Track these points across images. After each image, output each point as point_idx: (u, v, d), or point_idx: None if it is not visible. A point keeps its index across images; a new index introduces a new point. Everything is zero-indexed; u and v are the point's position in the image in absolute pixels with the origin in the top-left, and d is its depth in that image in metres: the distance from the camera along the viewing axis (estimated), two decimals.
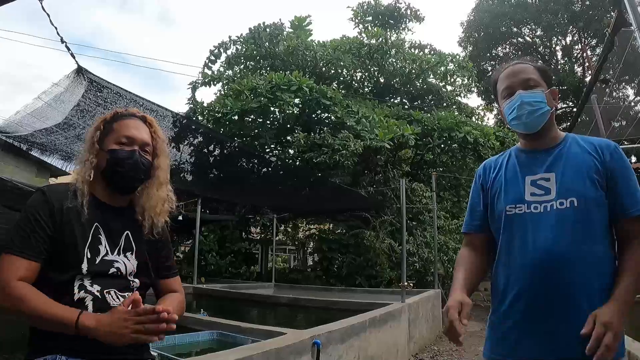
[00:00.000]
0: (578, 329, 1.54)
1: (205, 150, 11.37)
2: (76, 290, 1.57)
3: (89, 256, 1.62)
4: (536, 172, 1.79)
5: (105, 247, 1.67)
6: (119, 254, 1.70)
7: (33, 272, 1.55)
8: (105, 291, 1.62)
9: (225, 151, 11.24)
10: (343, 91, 17.84)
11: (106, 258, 1.66)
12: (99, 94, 5.88)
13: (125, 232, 1.75)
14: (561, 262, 1.61)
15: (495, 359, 1.76)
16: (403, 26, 22.45)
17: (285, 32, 19.75)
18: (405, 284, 7.68)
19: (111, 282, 1.65)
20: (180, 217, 11.21)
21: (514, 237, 1.75)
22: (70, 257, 1.59)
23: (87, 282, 1.60)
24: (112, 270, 1.66)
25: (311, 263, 18.95)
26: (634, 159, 23.87)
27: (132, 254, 1.74)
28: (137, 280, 1.75)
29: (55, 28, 4.84)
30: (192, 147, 10.88)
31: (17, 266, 1.52)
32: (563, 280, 1.61)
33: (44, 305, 1.46)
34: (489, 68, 33.25)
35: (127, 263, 1.71)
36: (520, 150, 1.92)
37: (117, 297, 1.64)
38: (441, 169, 17.10)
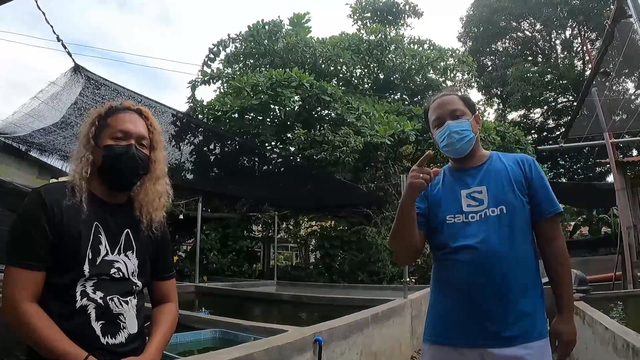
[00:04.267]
0: (507, 316, 1.84)
1: (206, 148, 11.33)
2: (78, 297, 1.53)
3: (90, 257, 1.57)
4: (469, 185, 2.06)
5: (106, 246, 1.62)
6: (119, 253, 1.65)
7: (40, 283, 1.50)
8: (108, 298, 1.58)
9: (226, 149, 11.21)
10: (343, 88, 17.81)
11: (107, 258, 1.61)
12: (96, 91, 5.84)
13: (125, 230, 1.70)
14: (494, 259, 1.88)
15: (439, 342, 1.99)
16: (402, 22, 22.47)
17: (284, 30, 19.72)
18: (408, 279, 7.64)
19: (114, 287, 1.61)
20: (181, 216, 11.20)
21: (454, 241, 1.99)
22: (71, 258, 1.54)
23: (89, 288, 1.55)
24: (113, 270, 1.62)
25: (313, 260, 18.92)
26: (634, 152, 23.80)
27: (132, 252, 1.70)
28: (139, 283, 1.71)
29: (51, 26, 4.80)
30: (192, 146, 10.85)
31: (25, 281, 1.47)
32: (496, 274, 1.87)
33: (54, 340, 1.43)
34: (489, 63, 33.29)
35: (127, 263, 1.67)
36: (453, 169, 2.20)
37: (120, 304, 1.61)
38: (442, 165, 17.02)
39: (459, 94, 2.23)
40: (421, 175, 1.88)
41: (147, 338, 1.72)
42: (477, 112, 2.20)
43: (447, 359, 1.95)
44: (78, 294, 1.52)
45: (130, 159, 1.66)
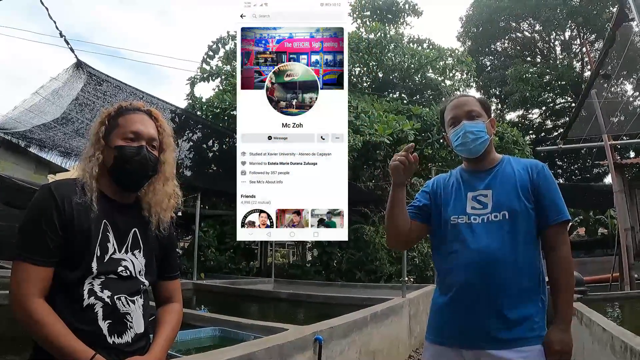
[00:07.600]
0: (503, 320, 1.87)
1: (204, 145, 11.33)
2: (85, 296, 1.53)
3: (98, 254, 1.57)
4: (476, 188, 2.08)
5: (113, 245, 1.63)
6: (126, 252, 1.66)
7: (48, 279, 1.50)
8: (115, 297, 1.58)
9: (224, 146, 11.21)
10: None
11: (114, 256, 1.62)
12: (98, 87, 5.84)
13: (133, 230, 1.70)
14: (492, 263, 1.90)
15: (438, 342, 2.04)
16: (401, 20, 22.42)
17: None
18: (406, 279, 7.65)
19: (121, 286, 1.61)
20: (179, 213, 11.08)
21: (456, 241, 2.02)
22: (80, 255, 1.54)
23: (97, 287, 1.55)
24: (121, 269, 1.62)
25: (310, 258, 18.91)
26: (632, 154, 23.87)
27: (139, 251, 1.70)
28: (146, 282, 1.71)
29: (54, 22, 4.82)
30: (190, 143, 10.86)
31: (33, 277, 1.47)
32: (493, 278, 1.90)
33: (61, 337, 1.43)
34: (488, 63, 33.29)
35: (135, 261, 1.67)
36: (464, 170, 2.22)
37: (128, 303, 1.62)
38: (440, 164, 17.08)
39: (477, 96, 2.28)
40: (397, 158, 1.99)
41: (151, 336, 1.73)
42: (492, 116, 2.24)
43: (446, 359, 1.99)
44: (85, 292, 1.53)
45: (141, 160, 1.67)
